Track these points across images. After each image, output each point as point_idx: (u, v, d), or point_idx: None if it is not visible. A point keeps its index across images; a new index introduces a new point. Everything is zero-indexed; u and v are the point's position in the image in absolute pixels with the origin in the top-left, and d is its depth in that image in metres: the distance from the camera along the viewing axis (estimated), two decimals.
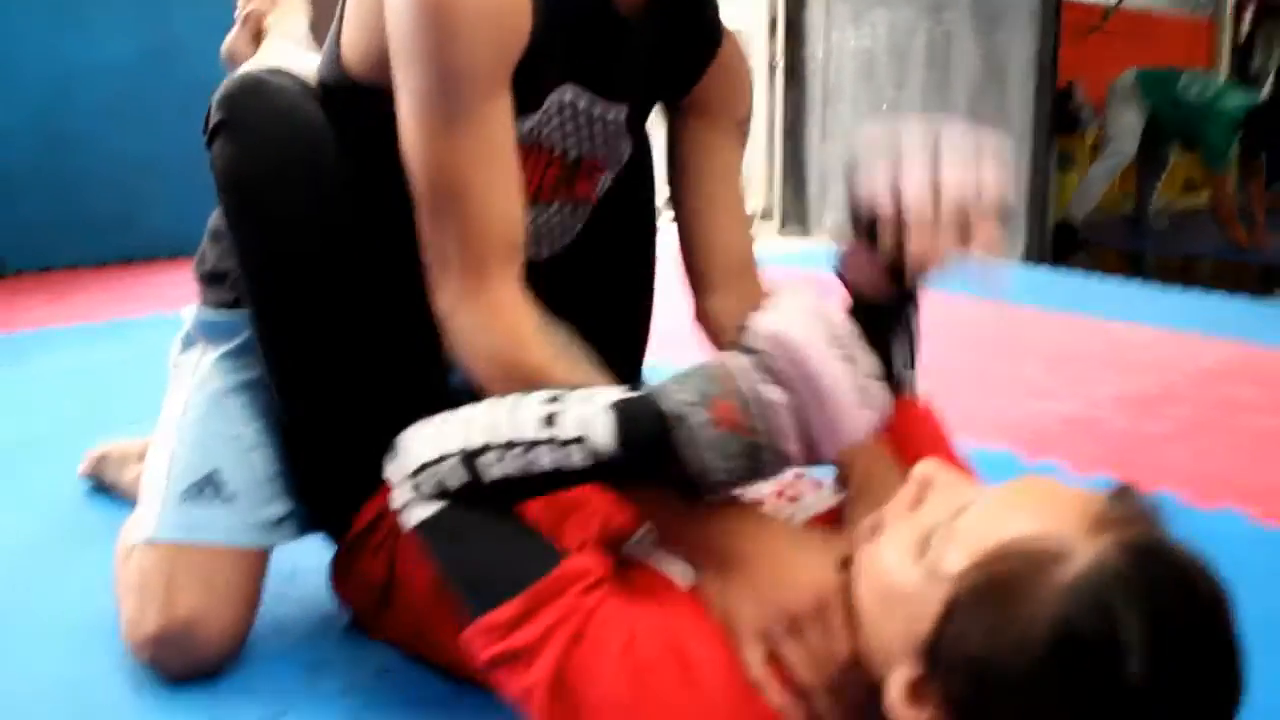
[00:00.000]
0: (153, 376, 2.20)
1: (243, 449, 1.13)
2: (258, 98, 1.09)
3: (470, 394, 1.14)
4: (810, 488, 1.02)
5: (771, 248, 3.51)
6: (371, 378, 1.10)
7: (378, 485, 1.04)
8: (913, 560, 0.73)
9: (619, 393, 0.84)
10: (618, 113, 1.10)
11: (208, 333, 1.19)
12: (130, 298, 3.02)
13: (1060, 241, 4.28)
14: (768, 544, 0.86)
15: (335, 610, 1.22)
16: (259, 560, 1.14)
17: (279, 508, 1.14)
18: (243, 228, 1.11)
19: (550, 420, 0.82)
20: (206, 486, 1.11)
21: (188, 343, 1.21)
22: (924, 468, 0.79)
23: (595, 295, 1.25)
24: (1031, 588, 0.65)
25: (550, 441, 0.82)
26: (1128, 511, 0.69)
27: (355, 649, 1.17)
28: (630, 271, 1.34)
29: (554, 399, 0.84)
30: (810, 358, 0.78)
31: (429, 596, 1.02)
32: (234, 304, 1.18)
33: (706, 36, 1.16)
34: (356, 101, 1.09)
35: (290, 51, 1.35)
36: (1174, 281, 3.44)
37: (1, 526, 1.50)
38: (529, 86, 0.99)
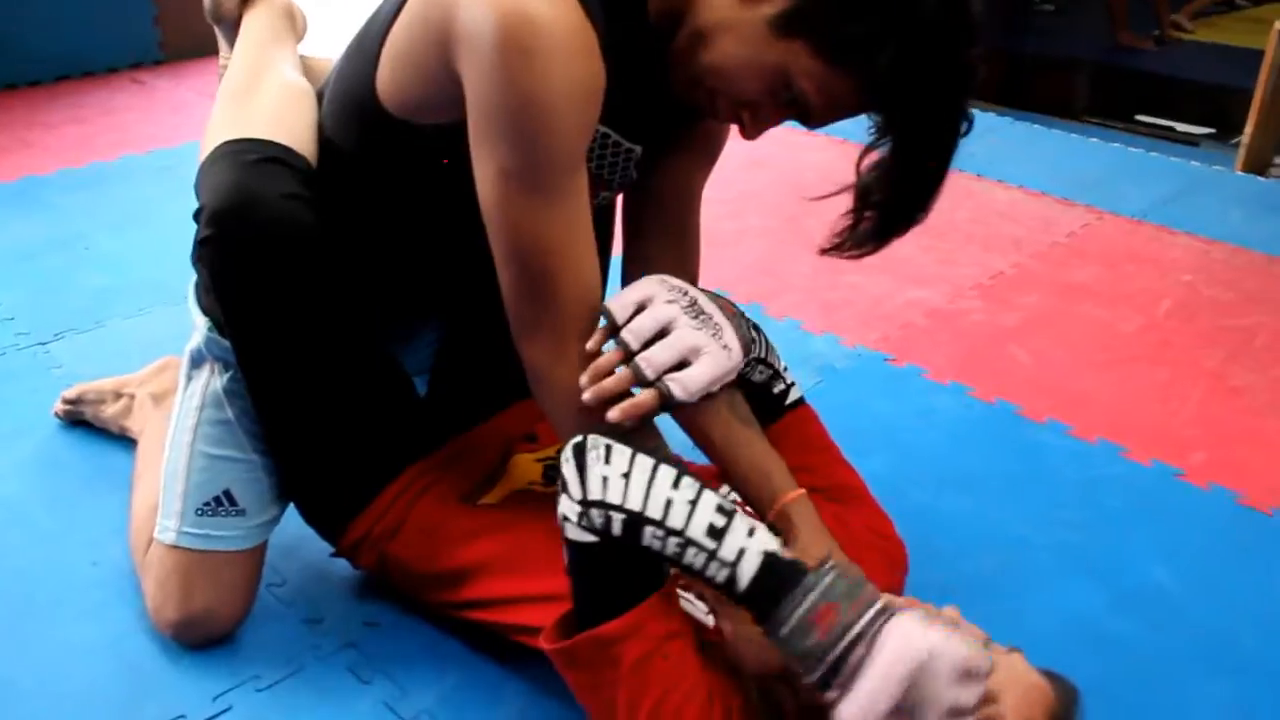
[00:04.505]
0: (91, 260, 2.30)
1: (252, 470, 1.31)
2: (245, 218, 1.17)
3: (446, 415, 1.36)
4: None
5: None
6: (350, 429, 1.29)
7: (359, 508, 1.30)
8: None
9: (775, 543, 0.99)
10: (634, 148, 1.22)
11: (217, 355, 1.30)
12: (33, 144, 3.02)
13: None
14: None
15: (318, 560, 1.46)
16: (260, 550, 1.35)
17: (278, 507, 1.35)
18: (233, 323, 1.25)
19: (716, 534, 0.97)
20: (220, 505, 1.29)
21: (198, 359, 1.32)
22: (951, 611, 1.06)
23: None
24: None
25: (707, 551, 0.97)
26: (1066, 709, 1.02)
27: (343, 604, 1.41)
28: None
29: (724, 511, 0.98)
30: (926, 706, 0.92)
31: (418, 574, 1.29)
32: None
33: None
34: (386, 131, 1.19)
35: (279, 55, 1.42)
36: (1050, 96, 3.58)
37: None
38: None
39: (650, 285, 1.12)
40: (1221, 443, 1.84)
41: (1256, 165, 3.41)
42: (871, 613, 0.94)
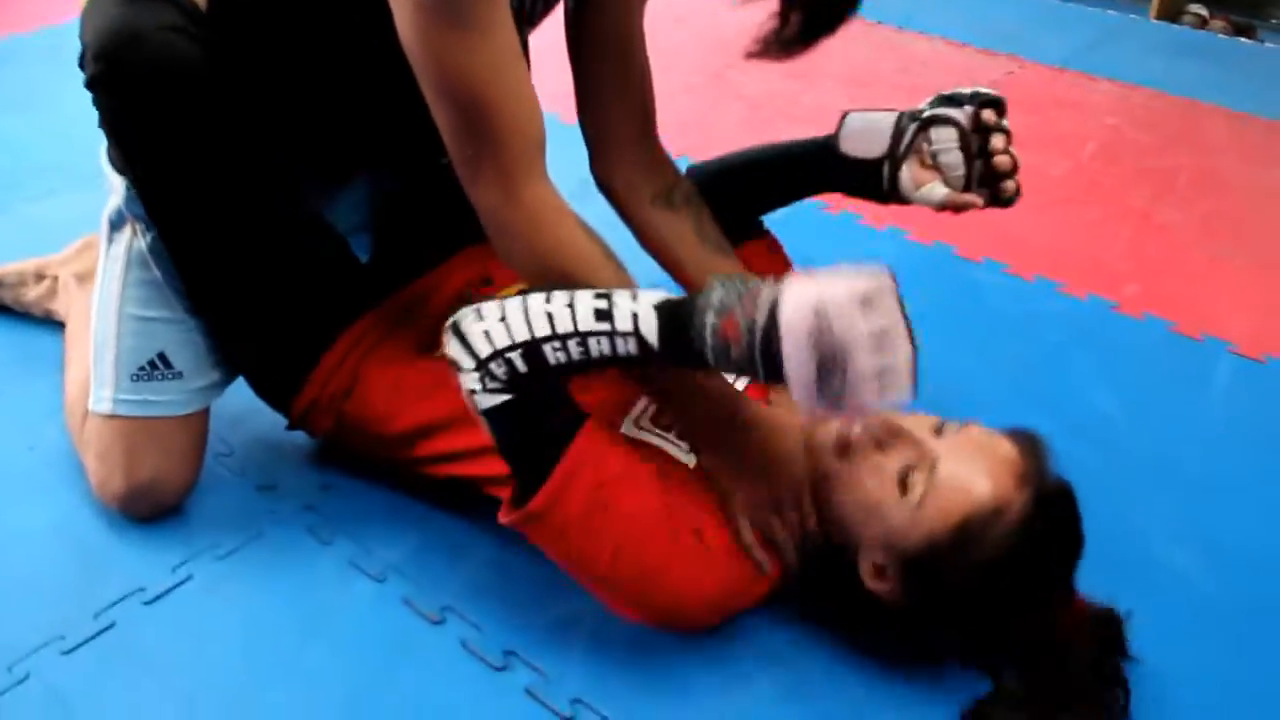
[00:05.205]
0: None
1: (185, 330, 1.26)
2: (133, 54, 1.10)
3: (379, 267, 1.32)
4: None
5: None
6: (279, 281, 1.24)
7: (307, 369, 1.25)
8: (897, 495, 1.03)
9: (662, 295, 0.98)
10: None
11: (138, 214, 1.23)
12: None
13: None
14: (755, 436, 1.11)
15: (266, 430, 1.42)
16: (203, 415, 1.31)
17: (219, 371, 1.30)
18: (139, 173, 1.19)
19: (604, 315, 0.97)
20: (155, 368, 1.24)
21: (118, 220, 1.26)
22: (891, 417, 1.07)
23: None
24: (987, 532, 1.00)
25: (606, 334, 0.97)
26: (1036, 460, 1.04)
27: (296, 470, 1.38)
28: None
29: (603, 296, 0.98)
30: (789, 357, 0.88)
31: (379, 435, 1.26)
32: None
33: None
34: None
35: None
36: None
37: None
38: None
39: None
40: (1152, 276, 1.89)
41: (1170, 13, 3.44)
42: (765, 302, 0.90)
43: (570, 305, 0.98)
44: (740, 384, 1.23)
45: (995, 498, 1.01)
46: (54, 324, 1.62)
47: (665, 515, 1.07)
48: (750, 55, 1.09)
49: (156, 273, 1.24)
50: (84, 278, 1.58)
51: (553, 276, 1.06)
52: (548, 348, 0.98)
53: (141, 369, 1.24)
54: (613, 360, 0.98)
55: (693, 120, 2.40)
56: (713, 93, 2.54)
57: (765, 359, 0.90)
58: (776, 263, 1.40)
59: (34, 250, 1.69)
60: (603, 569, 1.06)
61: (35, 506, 1.32)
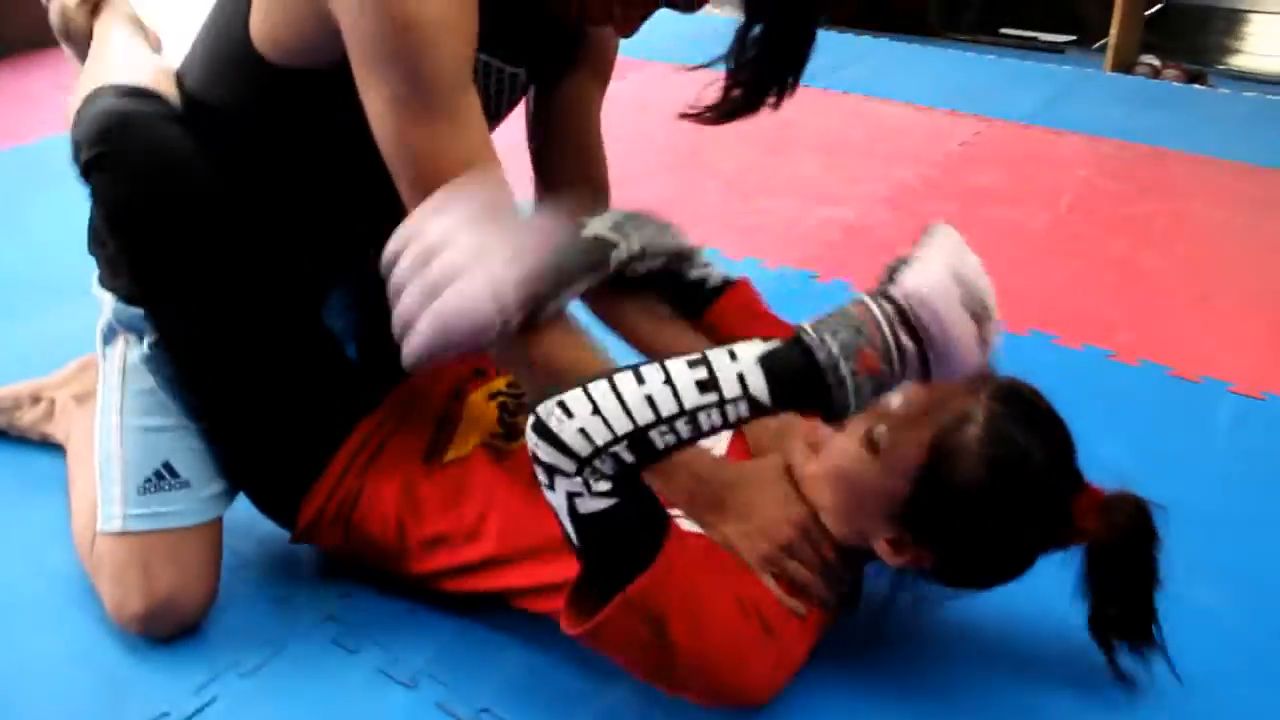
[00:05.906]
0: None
1: (187, 438, 1.24)
2: (129, 137, 1.15)
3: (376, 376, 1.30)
4: None
5: None
6: (281, 387, 1.23)
7: (311, 479, 1.23)
8: (870, 458, 1.04)
9: (759, 347, 0.93)
10: (517, 72, 1.20)
11: (130, 327, 1.24)
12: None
13: None
14: (747, 492, 1.12)
15: (277, 538, 1.39)
16: (216, 526, 1.28)
17: (225, 480, 1.28)
18: (134, 259, 1.20)
19: (707, 386, 0.92)
20: (161, 478, 1.22)
21: (109, 334, 1.26)
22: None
23: None
24: (960, 443, 1.00)
25: (716, 404, 0.92)
26: (980, 370, 1.01)
27: (312, 579, 1.36)
28: None
29: (699, 364, 0.93)
30: (948, 322, 0.90)
31: (391, 546, 1.23)
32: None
33: None
34: (267, 81, 1.15)
35: (134, 49, 1.34)
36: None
37: None
38: None
39: None
40: (1143, 322, 1.91)
41: (1124, 64, 3.53)
42: (884, 321, 0.91)
43: (669, 383, 0.92)
44: (719, 449, 1.23)
45: (952, 414, 1.03)
46: (50, 448, 1.59)
47: (733, 594, 1.05)
48: (683, 116, 1.15)
49: (153, 380, 1.23)
50: (83, 399, 1.56)
51: (536, 356, 1.07)
52: (654, 433, 0.92)
53: (148, 480, 1.23)
54: (726, 428, 0.94)
55: (674, 199, 2.42)
56: (690, 171, 2.57)
57: (920, 360, 0.91)
58: (749, 307, 1.31)
59: (23, 373, 1.66)
60: (687, 653, 1.02)
61: (48, 634, 1.28)
